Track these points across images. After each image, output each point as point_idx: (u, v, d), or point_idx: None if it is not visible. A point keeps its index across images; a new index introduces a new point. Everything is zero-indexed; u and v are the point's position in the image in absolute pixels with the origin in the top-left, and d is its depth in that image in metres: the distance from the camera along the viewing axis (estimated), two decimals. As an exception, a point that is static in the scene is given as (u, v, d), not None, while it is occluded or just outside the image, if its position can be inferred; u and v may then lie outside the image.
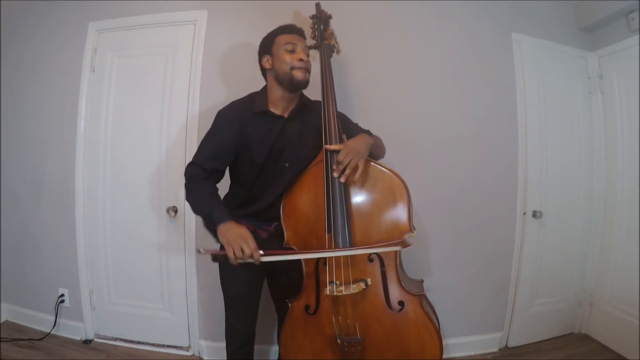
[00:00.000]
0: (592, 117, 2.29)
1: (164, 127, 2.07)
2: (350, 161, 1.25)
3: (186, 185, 1.40)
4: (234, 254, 1.18)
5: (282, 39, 1.38)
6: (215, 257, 1.26)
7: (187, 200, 1.39)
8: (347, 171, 1.25)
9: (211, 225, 1.29)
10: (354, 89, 1.99)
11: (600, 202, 2.28)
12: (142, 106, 2.09)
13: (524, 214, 2.14)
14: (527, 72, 2.13)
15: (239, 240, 1.19)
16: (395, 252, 1.31)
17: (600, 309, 2.25)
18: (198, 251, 1.29)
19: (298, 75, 1.36)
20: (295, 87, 1.38)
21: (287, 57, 1.36)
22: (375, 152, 1.43)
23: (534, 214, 2.14)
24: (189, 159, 1.96)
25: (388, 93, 2.02)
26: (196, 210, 1.38)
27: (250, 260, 1.19)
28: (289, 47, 1.36)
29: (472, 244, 2.09)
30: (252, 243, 1.20)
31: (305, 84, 1.39)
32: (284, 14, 1.92)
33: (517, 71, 2.11)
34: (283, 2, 1.95)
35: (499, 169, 2.11)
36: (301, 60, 1.36)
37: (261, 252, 1.20)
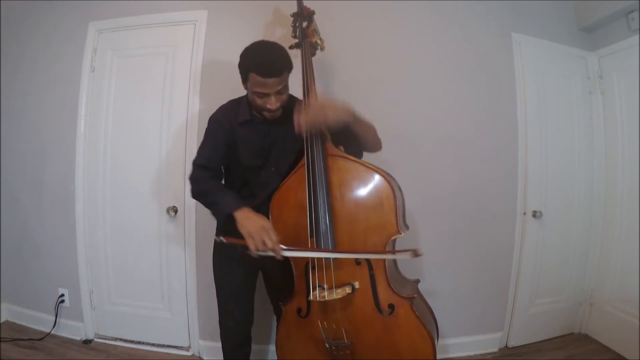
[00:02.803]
0: (592, 117, 2.29)
1: (164, 127, 2.07)
2: (317, 114, 1.19)
3: (192, 185, 1.40)
4: (256, 246, 1.15)
5: (254, 80, 1.25)
6: (235, 248, 1.21)
7: (195, 198, 1.41)
8: (308, 118, 1.19)
9: (225, 211, 1.26)
10: (354, 88, 1.98)
11: (601, 202, 2.28)
12: (142, 106, 2.09)
13: (524, 214, 2.13)
14: (527, 72, 2.13)
15: (262, 232, 1.16)
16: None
17: (600, 309, 2.25)
18: (219, 239, 1.22)
19: (267, 115, 1.34)
20: (264, 119, 1.37)
21: (258, 101, 1.30)
22: (363, 134, 1.34)
23: (534, 214, 2.14)
24: (189, 158, 1.97)
25: (388, 93, 2.01)
26: (207, 202, 1.38)
27: (271, 254, 1.17)
28: (259, 95, 1.28)
29: (472, 243, 2.09)
30: (275, 236, 1.18)
31: (275, 119, 1.36)
32: (283, 11, 1.92)
33: (517, 71, 2.11)
34: (284, 1, 1.95)
35: (499, 169, 2.11)
36: (269, 108, 1.30)
37: (282, 246, 1.17)
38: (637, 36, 1.99)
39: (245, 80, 1.31)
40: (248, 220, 1.20)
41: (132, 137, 2.11)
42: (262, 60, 1.25)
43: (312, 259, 1.29)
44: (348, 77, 1.98)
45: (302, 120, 1.22)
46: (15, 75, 2.25)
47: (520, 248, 2.13)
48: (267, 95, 1.27)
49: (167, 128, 2.06)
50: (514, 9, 2.13)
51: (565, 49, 2.24)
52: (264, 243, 1.15)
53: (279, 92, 1.28)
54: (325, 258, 1.27)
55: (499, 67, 2.11)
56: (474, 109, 2.08)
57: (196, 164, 1.42)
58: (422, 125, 2.04)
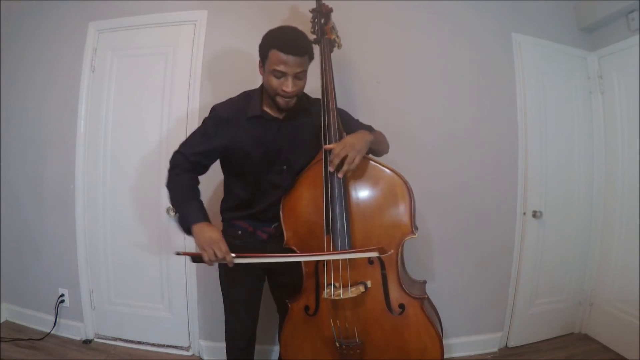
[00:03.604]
0: (592, 117, 2.29)
1: (163, 127, 2.06)
2: (346, 155, 1.20)
3: (169, 171, 1.39)
4: (208, 257, 1.21)
5: (275, 56, 1.22)
6: (194, 259, 1.29)
7: (166, 187, 1.39)
8: (345, 167, 1.20)
9: (184, 223, 1.31)
10: (354, 87, 1.99)
11: (600, 202, 2.28)
12: (142, 106, 2.09)
13: (524, 214, 2.14)
14: (527, 72, 2.13)
15: (211, 244, 1.21)
16: (396, 253, 1.29)
17: (600, 309, 2.25)
18: (177, 253, 1.36)
19: (280, 102, 1.29)
20: (277, 108, 1.33)
21: (274, 82, 1.25)
22: (377, 148, 1.39)
23: (534, 214, 2.14)
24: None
25: (388, 92, 2.02)
26: (172, 202, 1.39)
27: (224, 262, 1.23)
28: (278, 74, 1.23)
29: (472, 243, 2.09)
30: (224, 246, 1.22)
31: (287, 109, 1.32)
32: (284, 10, 1.92)
33: (517, 71, 2.11)
34: (284, 1, 1.95)
35: (499, 169, 2.11)
36: (285, 91, 1.25)
37: (233, 254, 1.22)
38: (637, 36, 1.99)
39: (264, 58, 1.26)
40: (199, 234, 1.25)
41: (132, 137, 2.11)
42: (285, 37, 1.24)
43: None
44: (348, 76, 1.98)
45: (339, 157, 1.21)
46: (15, 75, 2.25)
47: (520, 248, 2.13)
48: (285, 75, 1.23)
49: (167, 128, 2.06)
50: (514, 9, 2.13)
51: (565, 49, 2.24)
52: (214, 254, 1.21)
53: (297, 77, 1.25)
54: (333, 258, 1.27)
55: (499, 67, 2.11)
56: (474, 109, 2.08)
57: (179, 150, 1.39)
58: (422, 125, 2.04)
